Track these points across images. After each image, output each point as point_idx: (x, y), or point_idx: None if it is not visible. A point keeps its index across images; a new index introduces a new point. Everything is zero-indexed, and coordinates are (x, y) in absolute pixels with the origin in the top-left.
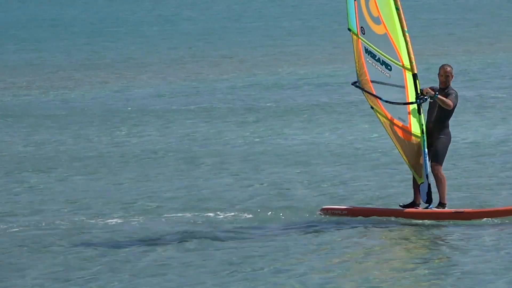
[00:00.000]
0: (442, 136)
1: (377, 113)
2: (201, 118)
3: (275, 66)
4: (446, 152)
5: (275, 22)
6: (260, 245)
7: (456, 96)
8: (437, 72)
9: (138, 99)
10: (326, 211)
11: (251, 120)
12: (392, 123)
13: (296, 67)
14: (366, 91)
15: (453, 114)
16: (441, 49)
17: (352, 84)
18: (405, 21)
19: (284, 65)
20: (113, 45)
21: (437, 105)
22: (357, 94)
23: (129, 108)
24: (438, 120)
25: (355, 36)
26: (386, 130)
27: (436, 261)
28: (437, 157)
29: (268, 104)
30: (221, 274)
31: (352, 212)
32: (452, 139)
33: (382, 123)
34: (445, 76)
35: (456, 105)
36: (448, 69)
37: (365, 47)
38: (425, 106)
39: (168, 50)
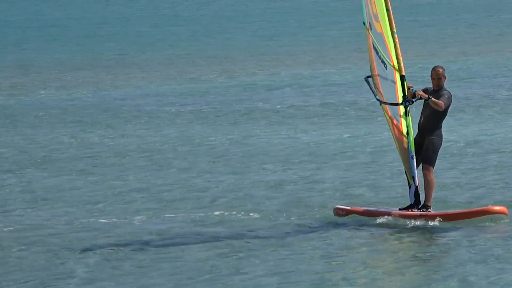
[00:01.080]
0: (434, 137)
1: (384, 111)
2: (189, 119)
3: (262, 67)
4: (437, 154)
5: (261, 24)
6: (255, 245)
7: (449, 98)
8: (429, 74)
9: (127, 99)
10: (339, 211)
11: (239, 121)
12: (392, 121)
13: (283, 68)
14: (370, 87)
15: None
16: (434, 50)
17: (364, 79)
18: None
19: (272, 66)
20: (101, 46)
21: (431, 106)
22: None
23: (120, 107)
24: (431, 121)
25: (367, 31)
26: (389, 128)
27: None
28: (428, 159)
29: (259, 105)
30: (212, 275)
31: (363, 213)
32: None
33: (386, 120)
34: (437, 78)
35: (449, 106)
36: (440, 70)
37: (372, 43)
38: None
39: (153, 51)
